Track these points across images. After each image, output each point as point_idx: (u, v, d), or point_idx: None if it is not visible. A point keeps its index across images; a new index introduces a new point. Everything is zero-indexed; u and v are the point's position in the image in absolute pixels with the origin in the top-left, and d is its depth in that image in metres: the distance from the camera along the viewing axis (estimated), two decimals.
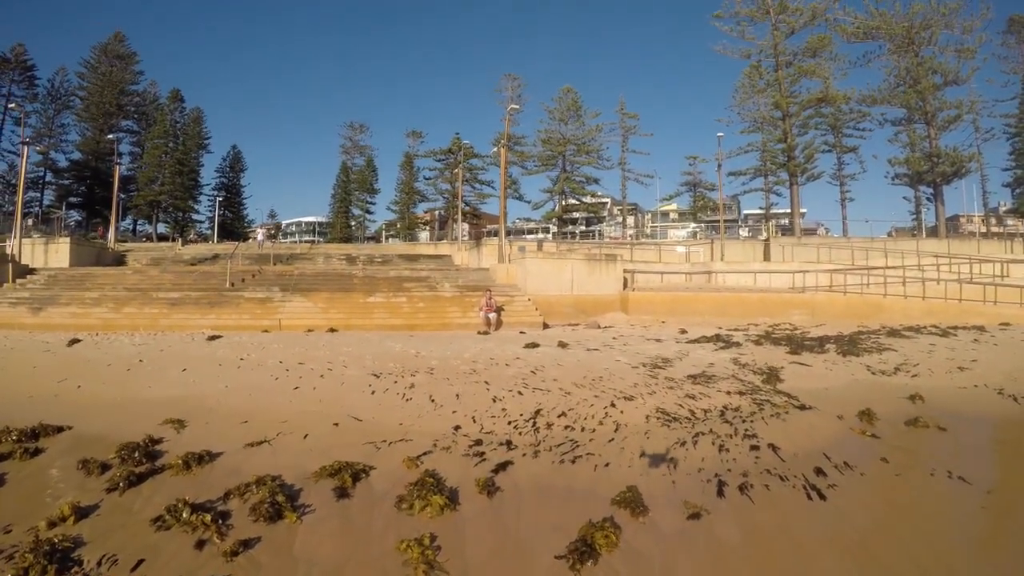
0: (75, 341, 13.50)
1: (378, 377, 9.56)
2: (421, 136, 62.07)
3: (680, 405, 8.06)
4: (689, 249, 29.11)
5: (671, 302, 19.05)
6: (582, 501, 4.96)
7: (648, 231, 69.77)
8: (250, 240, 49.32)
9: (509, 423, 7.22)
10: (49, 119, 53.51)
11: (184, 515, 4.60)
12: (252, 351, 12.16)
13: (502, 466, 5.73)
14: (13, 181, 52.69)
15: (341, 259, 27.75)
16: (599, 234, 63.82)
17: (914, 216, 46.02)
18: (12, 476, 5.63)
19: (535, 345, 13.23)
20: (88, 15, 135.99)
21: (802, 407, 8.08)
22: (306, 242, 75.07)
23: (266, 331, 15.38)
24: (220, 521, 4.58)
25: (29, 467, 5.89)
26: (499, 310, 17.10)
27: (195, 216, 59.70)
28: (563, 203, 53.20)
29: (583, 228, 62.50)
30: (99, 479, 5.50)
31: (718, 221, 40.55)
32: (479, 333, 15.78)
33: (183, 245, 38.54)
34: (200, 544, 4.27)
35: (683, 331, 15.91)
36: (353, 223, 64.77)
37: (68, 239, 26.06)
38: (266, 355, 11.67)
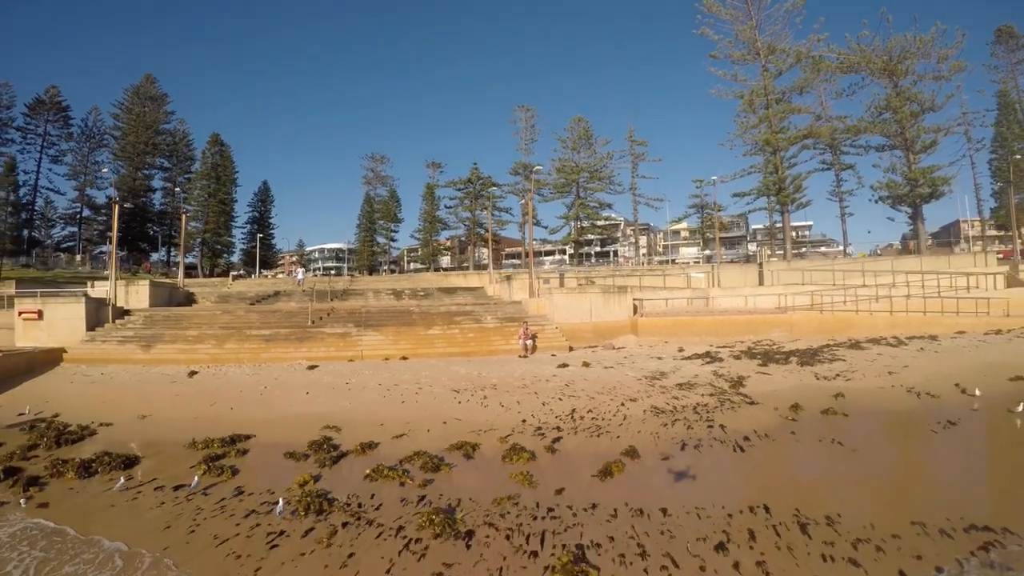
0: (193, 373, 16.72)
1: (458, 392, 13.50)
2: (441, 167, 66.53)
3: (667, 403, 11.93)
4: (691, 275, 32.67)
5: (673, 325, 22.58)
6: (604, 454, 8.80)
7: (660, 249, 73.35)
8: (288, 274, 53.52)
9: (555, 417, 11.15)
10: (84, 157, 57.10)
11: (385, 471, 8.50)
12: (351, 377, 15.88)
13: (556, 439, 9.66)
14: (50, 216, 57.61)
15: (389, 294, 31.69)
16: (614, 254, 67.34)
17: (912, 227, 48.96)
18: (240, 466, 9.03)
19: (565, 365, 17.01)
20: (115, 51, 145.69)
21: (752, 403, 11.87)
22: (331, 271, 79.46)
23: (351, 360, 19.03)
24: (406, 473, 8.48)
25: (246, 461, 9.42)
26: (534, 337, 20.70)
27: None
28: (578, 227, 56.55)
29: (598, 249, 65.73)
30: (306, 463, 9.19)
31: (724, 241, 44.01)
32: (519, 357, 19.32)
33: (233, 280, 42.26)
34: (402, 483, 8.16)
35: (681, 349, 19.56)
36: (377, 250, 68.91)
37: (147, 281, 28.96)
38: (364, 380, 15.46)
